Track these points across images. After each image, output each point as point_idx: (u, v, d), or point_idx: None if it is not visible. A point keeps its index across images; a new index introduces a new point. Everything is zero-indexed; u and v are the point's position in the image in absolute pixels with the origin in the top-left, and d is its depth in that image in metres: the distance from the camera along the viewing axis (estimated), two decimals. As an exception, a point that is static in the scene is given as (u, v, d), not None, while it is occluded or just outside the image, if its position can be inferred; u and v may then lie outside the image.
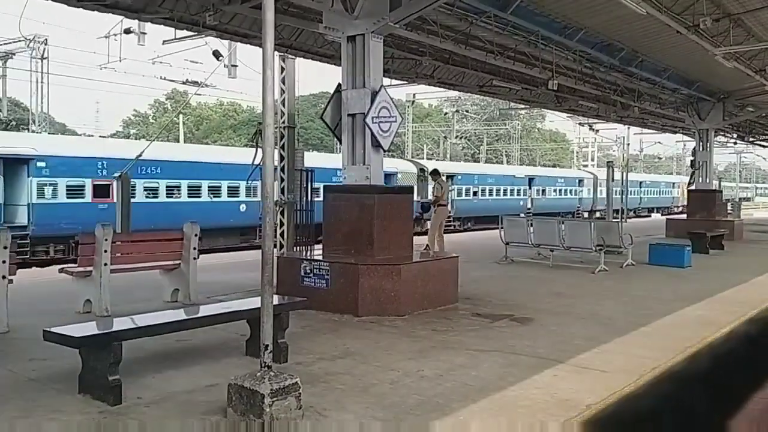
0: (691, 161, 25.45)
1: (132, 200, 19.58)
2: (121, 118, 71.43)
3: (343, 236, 9.25)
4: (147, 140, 25.77)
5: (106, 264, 8.28)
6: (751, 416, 0.56)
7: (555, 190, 43.09)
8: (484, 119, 70.58)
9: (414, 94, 47.76)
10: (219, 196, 23.24)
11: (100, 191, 19.76)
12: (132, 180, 19.99)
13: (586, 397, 5.21)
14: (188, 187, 22.33)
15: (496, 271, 13.55)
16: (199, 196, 22.68)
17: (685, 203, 57.01)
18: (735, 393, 0.55)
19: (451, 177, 31.53)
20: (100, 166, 19.88)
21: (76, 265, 8.79)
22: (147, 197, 20.79)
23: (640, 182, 52.87)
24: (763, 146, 40.08)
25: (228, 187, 23.48)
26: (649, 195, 54.85)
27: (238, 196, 23.70)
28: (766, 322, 0.66)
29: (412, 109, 54.53)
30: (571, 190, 44.73)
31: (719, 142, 35.66)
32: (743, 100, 23.65)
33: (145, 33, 17.74)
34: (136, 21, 14.61)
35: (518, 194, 38.93)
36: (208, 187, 22.96)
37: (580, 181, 46.37)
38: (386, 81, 13.61)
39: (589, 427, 0.45)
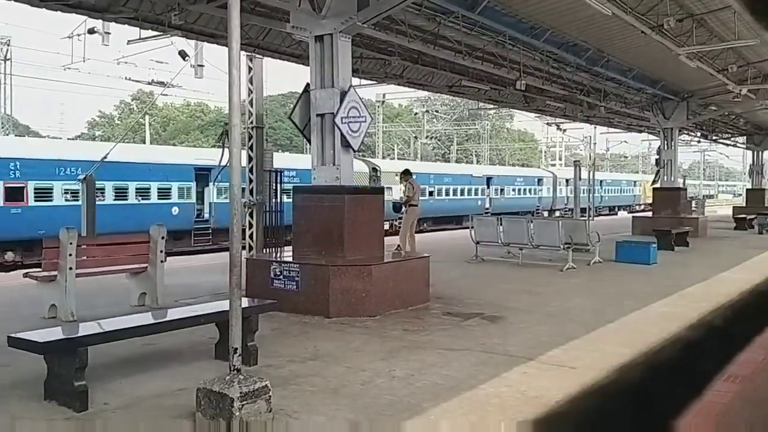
0: (657, 160, 25.86)
1: (50, 203, 18.98)
2: (86, 119, 70.43)
3: (313, 237, 9.21)
4: (111, 142, 25.09)
5: (71, 268, 8.13)
6: (699, 415, 0.56)
7: (514, 190, 42.11)
8: (454, 119, 70.98)
9: (384, 94, 47.85)
10: (148, 199, 21.96)
11: (13, 194, 18.64)
12: (50, 182, 19.24)
13: (555, 394, 5.25)
14: (114, 189, 20.94)
15: (466, 270, 13.62)
16: (126, 199, 21.28)
17: (647, 202, 56.93)
18: (687, 390, 0.55)
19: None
20: (12, 167, 18.68)
21: (41, 269, 8.62)
22: (67, 200, 19.48)
23: (600, 181, 52.56)
24: (726, 144, 40.92)
25: (158, 188, 22.20)
26: (609, 194, 53.83)
27: (169, 198, 22.39)
28: (718, 320, 0.66)
29: (382, 109, 54.62)
30: (530, 189, 43.81)
31: (683, 140, 36.29)
32: (706, 99, 24.10)
33: (109, 33, 17.40)
34: (100, 21, 14.36)
35: (476, 194, 37.92)
36: (136, 189, 21.54)
37: (540, 180, 45.59)
38: (355, 81, 13.60)
39: (541, 426, 0.45)
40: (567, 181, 47.24)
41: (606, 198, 52.58)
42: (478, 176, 39.08)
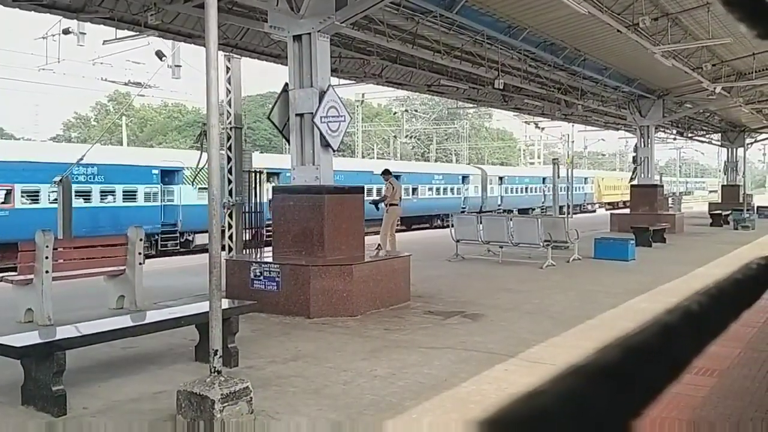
0: (634, 157, 26.13)
1: None
2: (61, 120, 69.63)
3: (293, 237, 9.18)
4: (89, 143, 24.50)
5: (47, 271, 8.03)
6: (677, 409, 0.56)
7: (430, 189, 35.80)
8: (433, 118, 71.20)
9: (363, 94, 47.88)
10: None
11: None
12: None
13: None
14: None
15: (446, 268, 13.65)
16: None
17: (603, 200, 54.47)
18: (644, 388, 0.55)
19: (277, 174, 24.31)
20: None
21: (16, 273, 8.51)
22: None
23: (543, 178, 45.77)
24: (701, 142, 41.44)
25: None
26: (551, 192, 47.83)
27: None
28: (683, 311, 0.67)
29: (362, 108, 54.65)
30: (452, 189, 37.39)
31: (659, 138, 36.68)
32: (681, 97, 24.40)
33: (84, 33, 17.17)
34: (75, 21, 14.18)
35: (378, 194, 29.53)
36: None
37: (465, 177, 39.23)
38: (334, 80, 13.55)
39: (492, 426, 0.44)
40: (501, 179, 42.82)
41: (548, 197, 45.67)
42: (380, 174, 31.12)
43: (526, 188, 45.60)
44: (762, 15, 0.85)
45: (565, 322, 8.20)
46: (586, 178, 54.69)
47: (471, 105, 29.94)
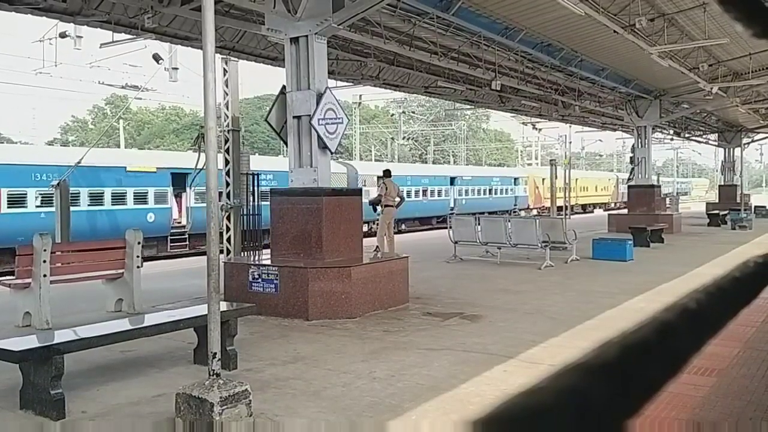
0: (631, 158, 26.16)
1: None
2: (58, 124, 69.56)
3: (291, 240, 9.18)
4: (86, 147, 24.32)
5: (45, 275, 8.01)
6: (676, 408, 0.56)
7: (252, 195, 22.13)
8: (431, 120, 71.20)
9: (360, 96, 47.83)
10: None
11: None
12: None
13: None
14: None
15: (445, 270, 13.65)
16: None
17: (543, 205, 43.58)
18: (643, 387, 0.55)
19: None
20: None
21: (14, 277, 8.49)
22: None
23: (452, 178, 37.20)
24: (698, 142, 41.49)
25: None
26: (471, 195, 38.18)
27: None
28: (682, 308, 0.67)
29: (359, 110, 54.64)
30: None
31: (657, 138, 36.72)
32: (678, 98, 24.45)
33: (81, 36, 17.15)
34: (72, 24, 14.17)
35: (155, 202, 21.30)
36: None
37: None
38: (332, 83, 13.56)
39: (489, 424, 0.44)
40: (380, 180, 29.70)
41: (464, 202, 36.92)
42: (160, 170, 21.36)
43: (424, 192, 33.79)
44: (758, 14, 0.85)
45: (563, 322, 8.20)
46: (515, 179, 43.78)
47: (468, 106, 29.96)
